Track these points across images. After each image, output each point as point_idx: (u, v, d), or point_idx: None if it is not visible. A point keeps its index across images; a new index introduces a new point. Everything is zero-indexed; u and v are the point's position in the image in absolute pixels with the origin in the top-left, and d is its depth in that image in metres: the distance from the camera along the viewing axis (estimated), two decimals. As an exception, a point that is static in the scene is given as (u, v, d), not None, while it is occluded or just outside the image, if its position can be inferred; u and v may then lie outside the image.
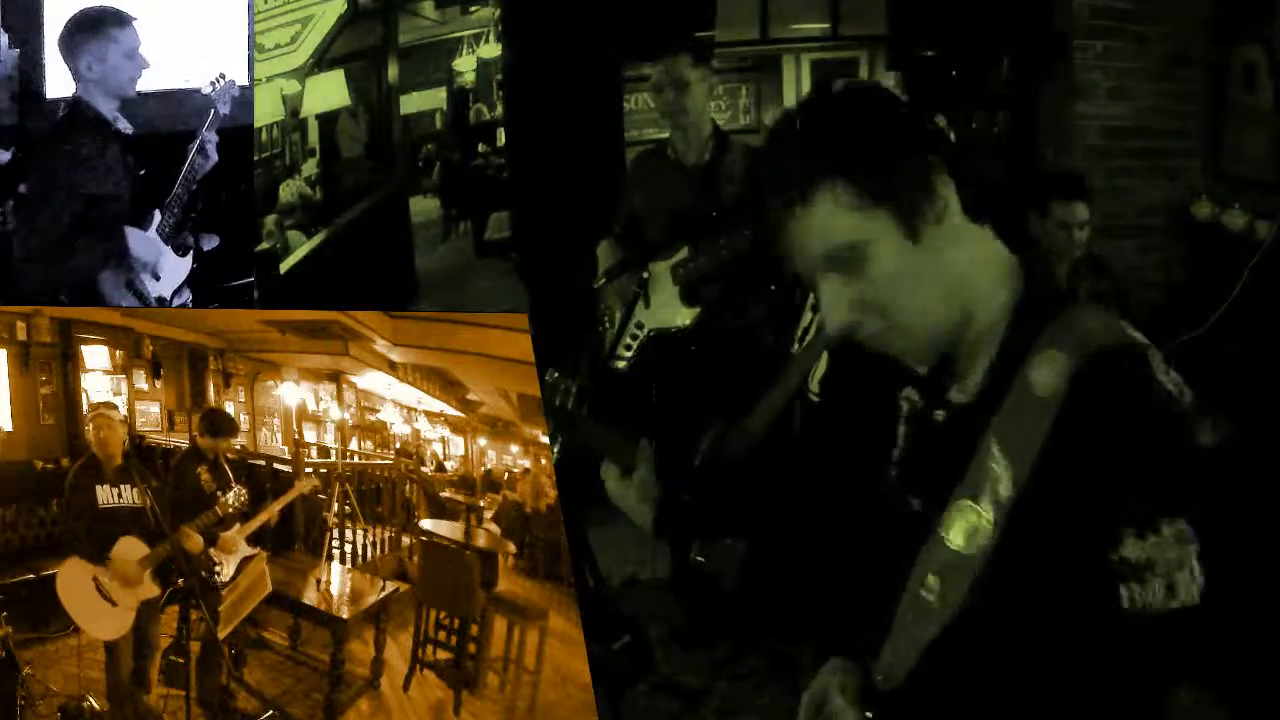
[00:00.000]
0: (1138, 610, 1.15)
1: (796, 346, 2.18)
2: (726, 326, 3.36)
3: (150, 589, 2.18)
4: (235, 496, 2.40)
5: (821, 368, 2.05)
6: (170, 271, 3.10)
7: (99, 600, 2.12)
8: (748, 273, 3.33)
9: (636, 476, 1.89)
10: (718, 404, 2.21)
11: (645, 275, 3.24)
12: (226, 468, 2.48)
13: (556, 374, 2.24)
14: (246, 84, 3.47)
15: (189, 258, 3.15)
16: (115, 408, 2.44)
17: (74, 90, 3.02)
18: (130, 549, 2.17)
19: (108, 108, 3.01)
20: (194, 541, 2.27)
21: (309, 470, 2.85)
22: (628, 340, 3.31)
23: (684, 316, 3.29)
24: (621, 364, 3.33)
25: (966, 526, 1.24)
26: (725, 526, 2.06)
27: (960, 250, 1.28)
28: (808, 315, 2.17)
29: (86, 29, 2.99)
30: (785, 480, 1.99)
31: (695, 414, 2.20)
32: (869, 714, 1.38)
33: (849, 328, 1.29)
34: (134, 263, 3.01)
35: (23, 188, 3.11)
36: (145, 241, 3.03)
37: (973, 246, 1.29)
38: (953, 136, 1.31)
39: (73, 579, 2.11)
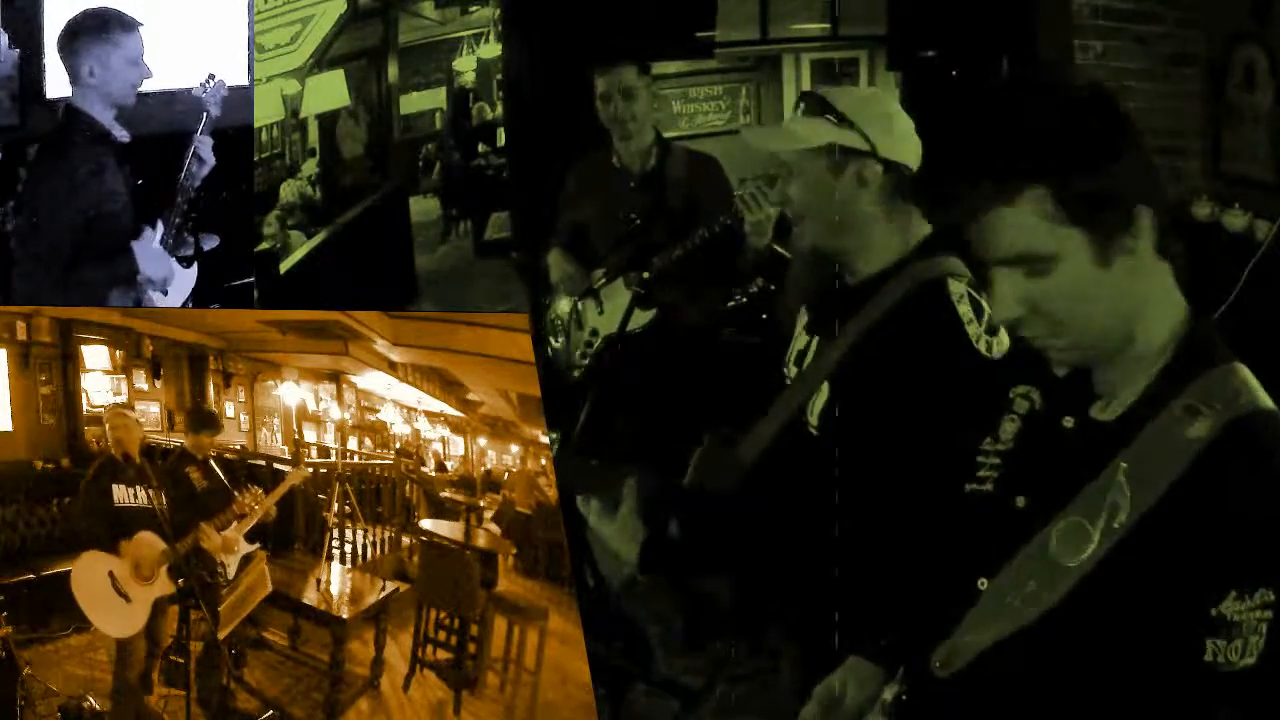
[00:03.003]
0: (1215, 664, 1.17)
1: (791, 369, 2.13)
2: (683, 327, 3.38)
3: (165, 586, 2.18)
4: (252, 496, 2.40)
5: (821, 399, 2.01)
6: (176, 284, 3.06)
7: (114, 596, 2.12)
8: (703, 272, 3.35)
9: (620, 514, 1.86)
10: (695, 419, 2.19)
11: (598, 284, 3.26)
12: (215, 466, 2.49)
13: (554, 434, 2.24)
14: (245, 83, 3.45)
15: (194, 269, 3.10)
16: (131, 409, 2.45)
17: (70, 96, 2.91)
18: (149, 544, 2.17)
19: (105, 116, 2.91)
20: (213, 540, 2.28)
21: (308, 468, 2.85)
22: (583, 349, 3.34)
23: (638, 320, 3.31)
24: (577, 373, 3.35)
25: (1073, 541, 1.26)
26: (712, 561, 2.04)
27: (1141, 283, 1.29)
28: (802, 338, 2.12)
29: (89, 31, 2.88)
30: (782, 512, 1.97)
31: (669, 426, 2.18)
32: (904, 695, 1.40)
33: (1013, 325, 1.30)
34: (143, 281, 2.95)
35: (17, 203, 3.02)
36: (154, 258, 2.96)
37: (1153, 282, 1.30)
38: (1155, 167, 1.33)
39: (88, 574, 2.12)
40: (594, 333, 3.36)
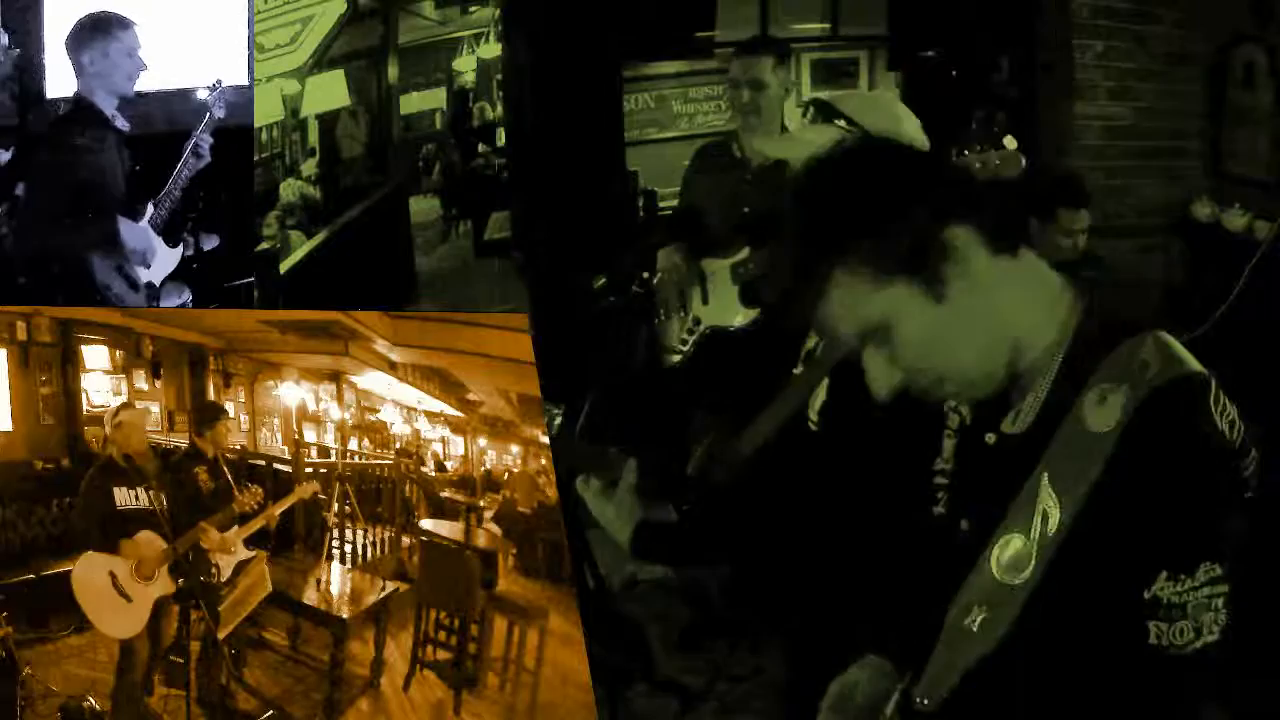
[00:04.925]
0: (1161, 647, 1.15)
1: (800, 368, 2.13)
2: (785, 329, 3.32)
3: (166, 585, 2.18)
4: (251, 496, 2.40)
5: (821, 396, 2.01)
6: (160, 260, 3.19)
7: (115, 596, 2.12)
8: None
9: (617, 493, 1.86)
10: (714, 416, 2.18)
11: (709, 271, 3.19)
12: (225, 467, 2.49)
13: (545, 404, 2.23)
14: (246, 84, 3.50)
15: (179, 249, 3.23)
16: (144, 410, 2.45)
17: (77, 87, 3.12)
18: (149, 543, 2.17)
19: (107, 105, 3.10)
20: (212, 540, 2.28)
21: (309, 471, 2.85)
22: (684, 335, 3.29)
23: (742, 316, 3.26)
24: (677, 358, 3.31)
25: (1014, 559, 1.23)
26: (705, 549, 2.03)
27: (996, 292, 1.23)
28: (813, 338, 2.13)
29: (91, 28, 3.12)
30: (776, 505, 1.96)
31: (745, 414, 2.15)
32: None
33: (899, 390, 1.26)
34: (125, 250, 3.10)
35: (19, 188, 3.19)
36: (136, 231, 3.12)
37: (1010, 281, 1.24)
38: (969, 171, 1.28)
39: (88, 575, 2.11)
40: (697, 321, 3.30)
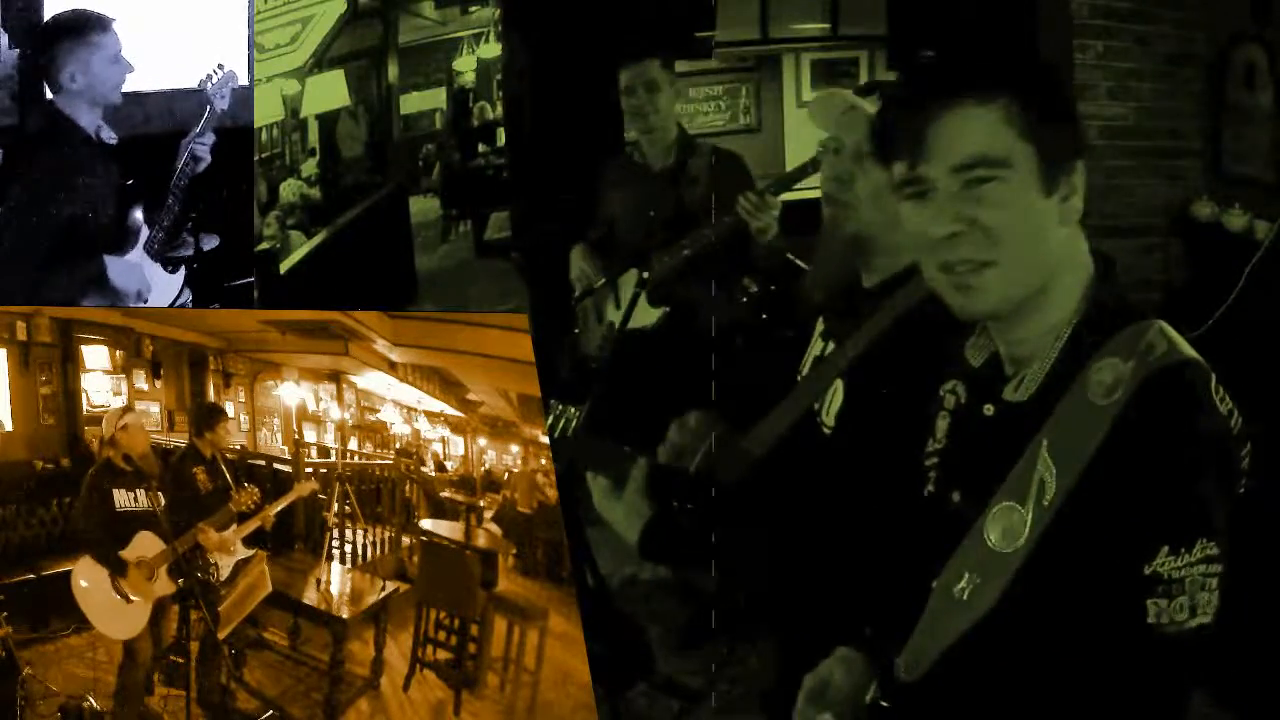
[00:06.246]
0: (1160, 625, 1.16)
1: (806, 369, 2.12)
2: (694, 324, 3.37)
3: (166, 586, 2.18)
4: (248, 495, 2.40)
5: (838, 400, 2.00)
6: (159, 291, 2.99)
7: (114, 597, 2.12)
8: (711, 270, 3.35)
9: (626, 494, 1.85)
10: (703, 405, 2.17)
11: (608, 281, 3.26)
12: (224, 467, 2.49)
13: (559, 405, 2.22)
14: (245, 84, 3.45)
15: (180, 273, 3.03)
16: (145, 414, 2.45)
17: (55, 102, 2.86)
18: (148, 545, 2.17)
19: (89, 118, 2.86)
20: (211, 539, 2.28)
21: (309, 471, 2.85)
22: (600, 343, 3.35)
23: (650, 316, 3.31)
24: (595, 365, 3.36)
25: (1008, 527, 1.25)
26: (713, 549, 2.02)
27: (1065, 233, 1.30)
28: (818, 344, 2.11)
29: (65, 36, 2.83)
30: (791, 504, 1.95)
31: (669, 411, 2.15)
32: (883, 702, 1.39)
33: (949, 239, 1.28)
34: (115, 292, 2.89)
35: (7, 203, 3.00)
36: (126, 269, 2.90)
37: (1072, 239, 1.31)
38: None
39: (88, 576, 2.12)
40: (611, 327, 3.36)
